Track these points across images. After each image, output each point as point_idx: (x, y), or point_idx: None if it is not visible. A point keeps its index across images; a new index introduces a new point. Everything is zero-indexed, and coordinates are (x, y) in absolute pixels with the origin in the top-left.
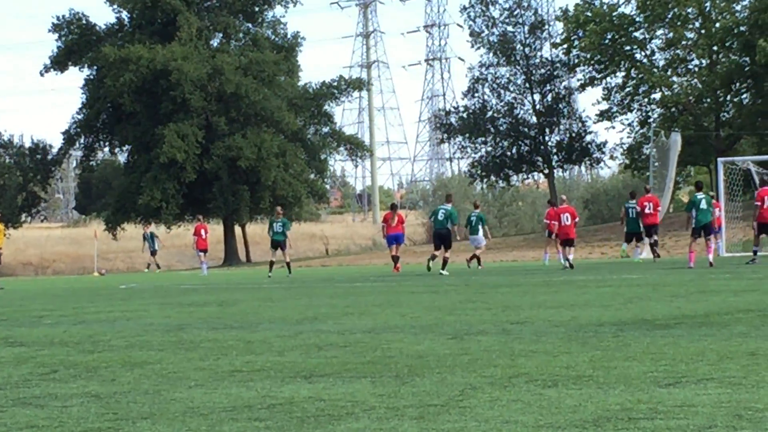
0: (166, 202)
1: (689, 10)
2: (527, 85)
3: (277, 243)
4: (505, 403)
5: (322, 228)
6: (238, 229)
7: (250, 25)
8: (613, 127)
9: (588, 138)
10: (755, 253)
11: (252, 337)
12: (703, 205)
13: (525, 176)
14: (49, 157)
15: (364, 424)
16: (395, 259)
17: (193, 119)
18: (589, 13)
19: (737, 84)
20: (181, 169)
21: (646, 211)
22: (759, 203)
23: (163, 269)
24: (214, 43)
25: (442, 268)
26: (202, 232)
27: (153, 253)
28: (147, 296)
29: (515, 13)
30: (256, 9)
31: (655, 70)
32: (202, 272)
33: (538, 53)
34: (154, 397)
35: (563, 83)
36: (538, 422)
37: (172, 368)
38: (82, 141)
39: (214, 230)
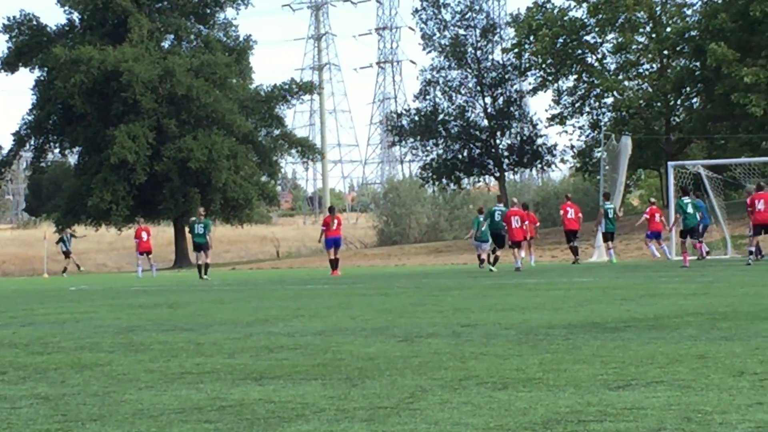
0: (116, 203)
1: (640, 15)
2: (479, 88)
3: (199, 245)
4: (456, 406)
5: (273, 230)
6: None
7: (201, 27)
8: (566, 131)
9: (539, 141)
10: (757, 252)
11: (202, 339)
12: (690, 209)
13: (476, 179)
14: None
15: (314, 426)
16: (333, 262)
17: (144, 121)
18: (540, 18)
19: (688, 88)
20: (132, 171)
21: (569, 216)
22: (751, 208)
23: (84, 269)
24: (166, 44)
25: (493, 265)
26: (144, 234)
27: (67, 254)
28: (97, 298)
29: (467, 16)
30: (208, 11)
31: (606, 74)
32: (137, 275)
33: (490, 56)
34: (104, 399)
35: (514, 87)
36: (488, 425)
37: (121, 370)
38: (32, 142)
39: (165, 232)
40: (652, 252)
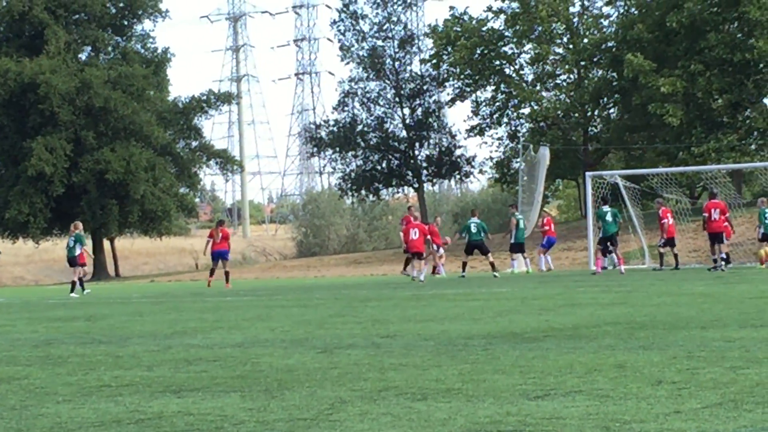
0: (34, 216)
1: (556, 26)
2: (397, 99)
3: (72, 260)
4: (375, 417)
5: (192, 242)
6: (106, 243)
7: (119, 38)
8: (485, 143)
9: (458, 152)
10: (722, 259)
11: (121, 352)
12: (609, 217)
13: (395, 190)
14: None
15: None
16: (212, 272)
17: (61, 133)
18: (458, 29)
19: (605, 99)
20: (49, 183)
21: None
22: (707, 215)
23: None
24: (83, 56)
25: (494, 270)
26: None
27: None
28: (14, 311)
29: (384, 27)
30: (125, 23)
31: (524, 84)
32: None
33: (408, 67)
34: (21, 413)
35: (433, 98)
36: None
37: (39, 383)
38: None
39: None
40: (545, 261)
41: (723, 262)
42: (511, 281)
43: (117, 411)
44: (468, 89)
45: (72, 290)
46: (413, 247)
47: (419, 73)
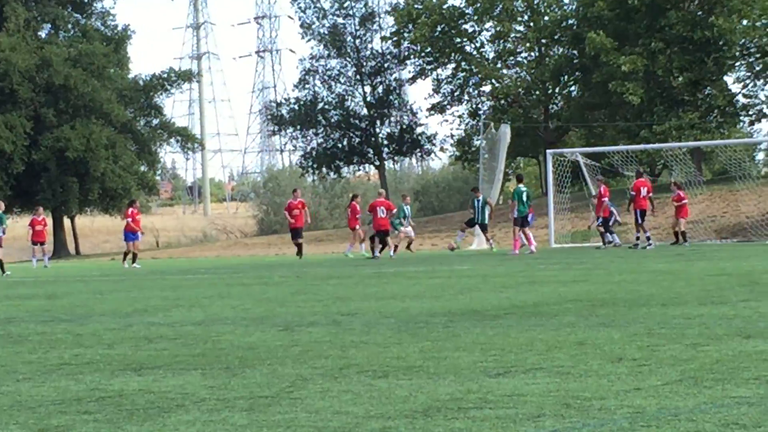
0: None
1: (518, 3)
2: (358, 77)
3: None
4: (336, 394)
5: (153, 220)
6: (67, 222)
7: (79, 16)
8: (446, 120)
9: (419, 130)
10: (647, 238)
11: (81, 330)
12: (525, 197)
13: (356, 168)
14: None
15: (194, 416)
16: (128, 254)
17: (21, 110)
18: (419, 6)
19: (566, 77)
20: (9, 161)
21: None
22: (635, 193)
23: None
24: (43, 34)
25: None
26: (38, 225)
27: None
28: None
29: (345, 5)
30: (86, 0)
31: (485, 62)
32: (32, 265)
33: (369, 45)
34: None
35: (394, 75)
36: (368, 413)
37: None
38: None
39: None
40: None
41: (649, 241)
42: (473, 258)
43: (78, 389)
44: (429, 67)
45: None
46: (380, 225)
47: (380, 50)
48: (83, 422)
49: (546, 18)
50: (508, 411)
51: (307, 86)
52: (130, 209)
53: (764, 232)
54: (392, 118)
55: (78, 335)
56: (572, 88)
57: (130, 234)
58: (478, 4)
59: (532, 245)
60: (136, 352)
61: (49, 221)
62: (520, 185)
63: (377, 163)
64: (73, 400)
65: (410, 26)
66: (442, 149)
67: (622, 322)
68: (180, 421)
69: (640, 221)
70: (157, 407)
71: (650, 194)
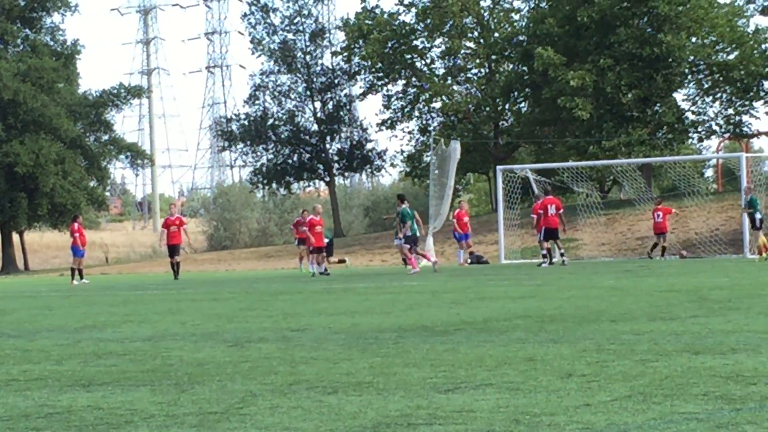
0: None
1: (468, 20)
2: (308, 92)
3: None
4: (286, 410)
5: (102, 236)
6: (15, 237)
7: (28, 31)
8: (396, 136)
9: (369, 146)
10: (545, 256)
11: (29, 346)
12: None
13: (306, 184)
14: None
15: None
16: (75, 271)
17: None
18: (370, 22)
19: (516, 93)
20: None
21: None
22: (542, 211)
23: None
24: None
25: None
26: None
27: None
28: None
29: (295, 20)
30: (35, 15)
31: (435, 78)
32: None
33: (319, 61)
34: None
35: (344, 91)
36: (318, 429)
37: None
38: None
39: None
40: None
41: (545, 260)
42: (423, 274)
43: (25, 405)
44: (379, 83)
45: None
46: (318, 241)
47: (330, 66)
48: None
49: (496, 34)
50: (457, 427)
51: (257, 102)
52: (75, 224)
53: (713, 248)
54: (342, 134)
55: (26, 351)
56: (522, 104)
57: (78, 249)
58: (429, 21)
59: (431, 260)
60: (84, 368)
61: None
62: (405, 205)
63: (327, 179)
64: (20, 416)
65: (361, 42)
66: (392, 165)
67: (571, 338)
68: None
69: (542, 238)
70: (106, 423)
71: (560, 211)
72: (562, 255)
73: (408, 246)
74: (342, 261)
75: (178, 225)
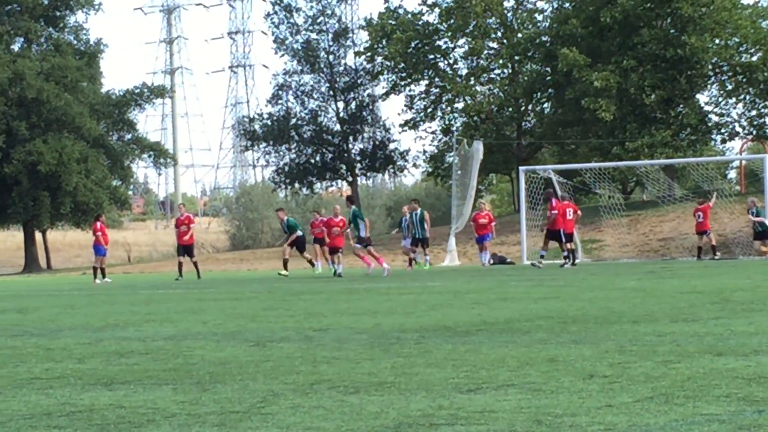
0: None
1: (491, 21)
2: (331, 92)
3: None
4: (307, 410)
5: (125, 235)
6: (38, 236)
7: (52, 30)
8: (419, 137)
9: (391, 146)
10: (566, 257)
11: (52, 344)
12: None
13: (329, 184)
14: None
15: (165, 431)
16: (98, 270)
17: None
18: (393, 22)
19: (539, 93)
20: None
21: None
22: (556, 212)
23: None
24: (16, 47)
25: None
26: None
27: None
28: None
29: (319, 20)
30: (58, 14)
31: (458, 78)
32: None
33: (342, 61)
34: None
35: (367, 91)
36: (339, 429)
37: None
38: None
39: (14, 237)
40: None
41: (570, 258)
42: (445, 275)
43: (48, 404)
44: (402, 83)
45: None
46: (335, 242)
47: (353, 66)
48: None
49: (519, 35)
50: (479, 427)
51: (280, 102)
52: (98, 223)
53: (737, 250)
54: (365, 134)
55: (48, 349)
56: (545, 104)
57: (100, 248)
58: (452, 21)
59: (383, 265)
60: (107, 367)
61: (21, 235)
62: (354, 206)
63: (350, 179)
64: (43, 415)
65: (384, 42)
66: (414, 165)
67: (593, 339)
68: None
69: (564, 240)
70: (128, 422)
71: (578, 214)
72: (565, 258)
73: (359, 246)
74: (311, 263)
75: (188, 224)
